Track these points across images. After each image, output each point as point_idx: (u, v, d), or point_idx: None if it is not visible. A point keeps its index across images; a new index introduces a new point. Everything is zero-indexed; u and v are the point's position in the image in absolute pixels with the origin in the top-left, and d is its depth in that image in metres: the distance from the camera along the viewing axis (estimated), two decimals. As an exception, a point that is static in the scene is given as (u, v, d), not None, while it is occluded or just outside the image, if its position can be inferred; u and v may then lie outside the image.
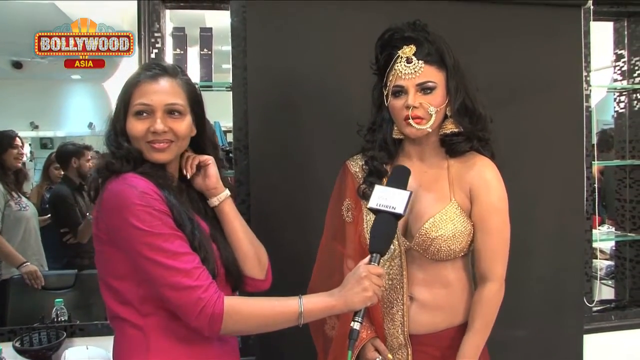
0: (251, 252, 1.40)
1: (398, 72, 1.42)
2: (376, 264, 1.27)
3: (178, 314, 1.20)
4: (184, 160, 1.37)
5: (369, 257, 1.28)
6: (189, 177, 1.37)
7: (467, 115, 1.47)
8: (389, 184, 1.34)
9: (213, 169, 1.38)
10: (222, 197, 1.39)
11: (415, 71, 1.40)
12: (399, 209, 1.28)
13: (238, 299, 1.29)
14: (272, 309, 1.25)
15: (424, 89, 1.41)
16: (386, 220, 1.29)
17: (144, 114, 1.26)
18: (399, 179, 1.35)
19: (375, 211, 1.31)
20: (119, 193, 1.19)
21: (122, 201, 1.18)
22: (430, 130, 1.44)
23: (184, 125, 1.29)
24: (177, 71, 1.33)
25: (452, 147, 1.49)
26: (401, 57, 1.42)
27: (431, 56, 1.42)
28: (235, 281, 1.37)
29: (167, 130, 1.26)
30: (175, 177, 1.35)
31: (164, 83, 1.28)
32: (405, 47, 1.42)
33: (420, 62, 1.41)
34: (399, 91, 1.43)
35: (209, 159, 1.38)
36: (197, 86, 1.39)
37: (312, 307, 1.24)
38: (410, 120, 1.41)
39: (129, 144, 1.27)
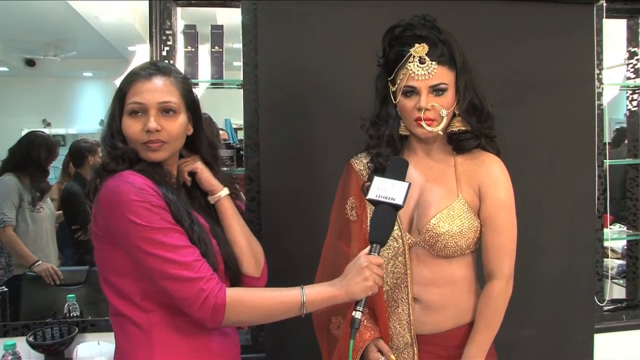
0: (247, 249, 1.41)
1: (410, 72, 1.40)
2: (376, 254, 1.28)
3: (181, 306, 1.21)
4: (181, 167, 1.39)
5: (369, 247, 1.29)
6: (189, 184, 1.40)
7: (475, 113, 1.47)
8: (387, 175, 1.34)
9: (204, 175, 1.39)
10: (215, 198, 1.40)
11: (428, 72, 1.39)
12: (398, 200, 1.28)
13: (240, 289, 1.30)
14: (275, 299, 1.26)
15: (437, 90, 1.40)
16: (386, 211, 1.30)
17: (138, 113, 1.27)
18: (397, 170, 1.35)
19: (374, 202, 1.31)
20: (115, 190, 1.20)
21: (119, 198, 1.19)
22: (442, 132, 1.44)
23: (177, 125, 1.29)
24: (171, 70, 1.34)
25: (459, 144, 1.49)
26: (414, 57, 1.40)
27: (444, 57, 1.40)
28: (234, 276, 1.38)
29: (161, 129, 1.26)
30: (174, 174, 1.35)
31: (157, 81, 1.28)
32: (417, 45, 1.40)
33: (434, 63, 1.39)
34: (411, 91, 1.41)
35: (196, 167, 1.39)
36: (192, 85, 1.39)
37: (315, 297, 1.25)
38: (423, 123, 1.40)
39: (124, 144, 1.28)
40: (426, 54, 1.39)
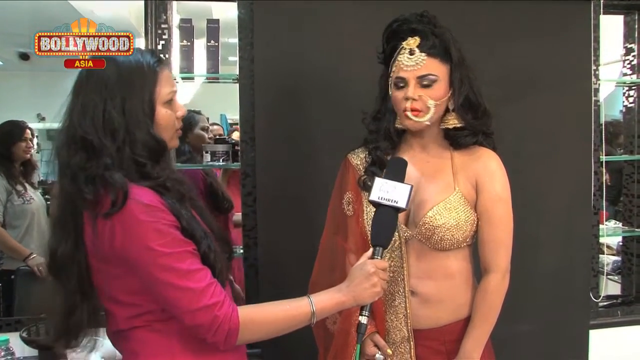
0: None
1: (400, 63, 1.41)
2: (379, 257, 1.28)
3: (194, 333, 1.15)
4: None
5: (371, 250, 1.29)
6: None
7: (471, 109, 1.47)
8: (387, 177, 1.33)
9: None
10: None
11: (416, 63, 1.40)
12: (402, 203, 1.29)
13: (251, 308, 1.25)
14: (286, 313, 1.23)
15: (425, 81, 1.41)
16: (388, 213, 1.30)
17: (171, 102, 1.24)
18: (397, 171, 1.35)
19: (376, 204, 1.31)
20: (122, 209, 1.10)
21: (128, 219, 1.10)
22: (429, 123, 1.44)
23: None
24: None
25: (456, 140, 1.49)
26: (404, 49, 1.41)
27: (435, 49, 1.41)
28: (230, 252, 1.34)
29: None
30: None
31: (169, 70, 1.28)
32: (410, 38, 1.41)
33: (423, 54, 1.40)
34: (400, 82, 1.43)
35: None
36: None
37: (324, 306, 1.24)
38: (409, 113, 1.41)
39: (130, 146, 1.15)
40: (417, 46, 1.40)
